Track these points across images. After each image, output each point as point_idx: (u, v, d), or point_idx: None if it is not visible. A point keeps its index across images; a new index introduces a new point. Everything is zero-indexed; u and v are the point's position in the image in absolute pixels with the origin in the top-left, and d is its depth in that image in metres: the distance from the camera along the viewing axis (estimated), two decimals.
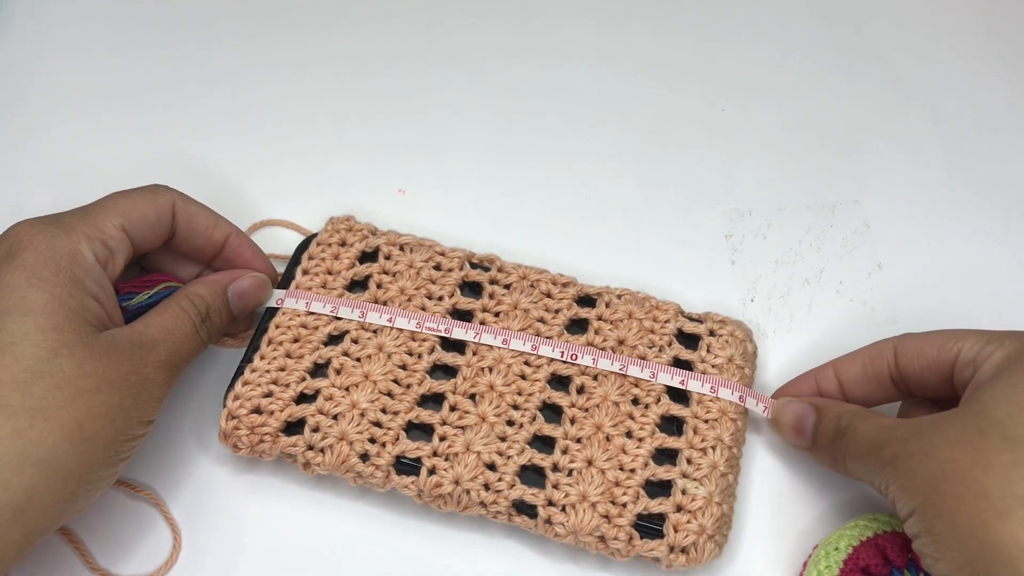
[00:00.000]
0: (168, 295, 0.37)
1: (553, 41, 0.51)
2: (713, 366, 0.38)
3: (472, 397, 0.37)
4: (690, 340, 0.39)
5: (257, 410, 0.36)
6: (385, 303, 0.39)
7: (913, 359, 0.35)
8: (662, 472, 0.35)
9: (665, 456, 0.36)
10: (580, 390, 0.37)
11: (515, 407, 0.37)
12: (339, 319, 0.39)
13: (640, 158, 0.47)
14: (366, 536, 0.37)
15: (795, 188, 0.47)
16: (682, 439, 0.36)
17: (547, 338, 0.38)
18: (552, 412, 0.37)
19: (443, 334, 0.38)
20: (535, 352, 0.38)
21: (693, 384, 0.37)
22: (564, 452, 0.36)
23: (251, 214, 0.44)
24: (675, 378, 0.37)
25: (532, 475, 0.35)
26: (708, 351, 0.38)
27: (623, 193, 0.46)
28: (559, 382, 0.38)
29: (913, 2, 0.54)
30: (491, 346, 0.38)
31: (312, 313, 0.39)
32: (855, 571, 0.34)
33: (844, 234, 0.45)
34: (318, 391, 0.37)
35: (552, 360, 0.38)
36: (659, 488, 0.35)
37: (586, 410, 0.37)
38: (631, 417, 0.36)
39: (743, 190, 0.46)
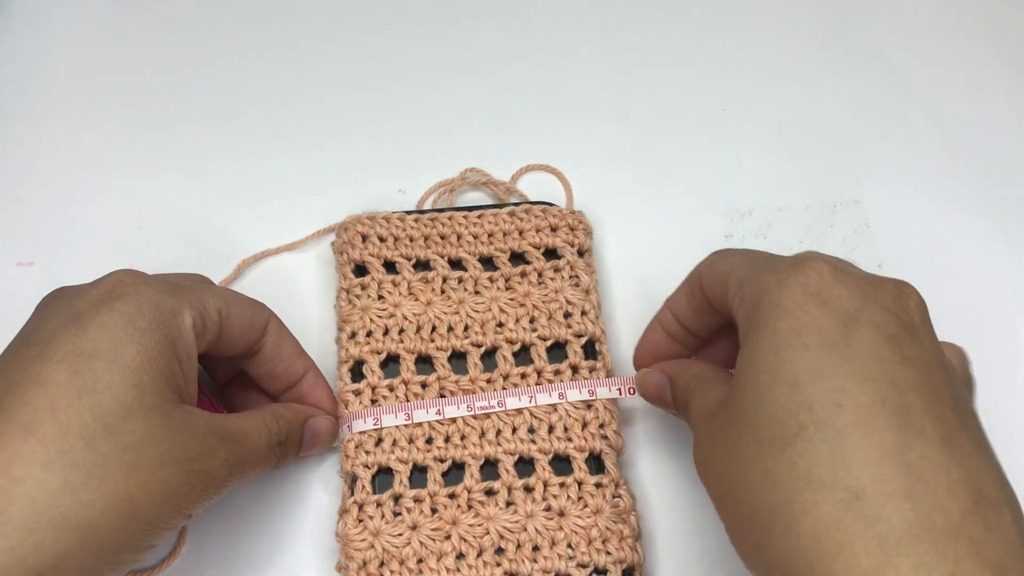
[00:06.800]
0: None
1: (553, 41, 0.52)
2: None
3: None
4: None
5: (363, 237, 0.41)
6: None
7: (713, 285, 0.32)
8: None
9: None
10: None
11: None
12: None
13: (640, 158, 0.48)
14: None
15: (795, 188, 0.47)
16: None
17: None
18: None
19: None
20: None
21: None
22: None
23: (247, 210, 0.45)
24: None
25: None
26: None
27: (623, 193, 0.46)
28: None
29: (914, 2, 0.54)
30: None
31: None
32: None
33: (844, 234, 0.45)
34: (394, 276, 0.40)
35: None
36: None
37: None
38: None
39: (743, 190, 0.47)
